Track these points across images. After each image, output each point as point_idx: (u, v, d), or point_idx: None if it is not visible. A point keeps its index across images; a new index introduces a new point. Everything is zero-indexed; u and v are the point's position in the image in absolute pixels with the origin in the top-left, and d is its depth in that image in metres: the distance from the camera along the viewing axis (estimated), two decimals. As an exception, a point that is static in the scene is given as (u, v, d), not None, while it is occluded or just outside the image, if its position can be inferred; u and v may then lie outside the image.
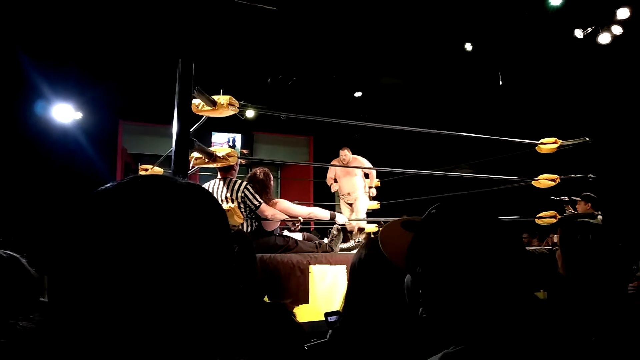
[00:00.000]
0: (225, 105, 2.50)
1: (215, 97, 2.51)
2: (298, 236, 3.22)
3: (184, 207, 0.52)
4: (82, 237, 0.49)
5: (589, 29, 5.86)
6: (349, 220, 4.11)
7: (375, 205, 5.12)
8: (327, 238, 3.30)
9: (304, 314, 2.60)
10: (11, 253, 1.13)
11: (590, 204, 4.86)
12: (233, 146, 8.33)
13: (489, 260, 0.73)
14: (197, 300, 0.50)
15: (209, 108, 2.52)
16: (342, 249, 3.34)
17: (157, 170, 3.98)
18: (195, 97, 2.43)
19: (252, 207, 2.92)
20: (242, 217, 2.92)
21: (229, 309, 0.55)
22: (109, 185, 0.53)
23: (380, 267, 1.34)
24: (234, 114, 2.65)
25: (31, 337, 0.49)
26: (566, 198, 4.72)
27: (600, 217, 4.36)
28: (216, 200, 0.57)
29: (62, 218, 0.51)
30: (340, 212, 4.29)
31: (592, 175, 3.55)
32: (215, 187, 3.03)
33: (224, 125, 6.61)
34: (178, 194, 0.53)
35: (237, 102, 2.57)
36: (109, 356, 0.47)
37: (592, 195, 4.84)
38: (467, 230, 0.76)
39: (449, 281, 0.73)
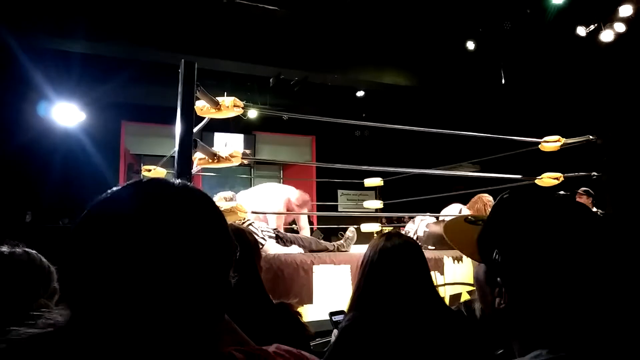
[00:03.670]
0: (230, 107, 2.49)
1: (219, 99, 2.51)
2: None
3: (180, 210, 0.55)
4: (87, 242, 0.52)
5: (592, 27, 5.84)
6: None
7: (379, 205, 5.12)
8: (342, 239, 3.44)
9: (307, 313, 2.61)
10: (28, 250, 1.13)
11: (592, 199, 4.78)
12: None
13: (600, 242, 0.60)
14: (197, 296, 0.52)
15: (213, 109, 2.52)
16: None
17: (160, 171, 3.97)
18: (198, 98, 2.43)
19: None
20: (245, 211, 2.92)
21: (229, 306, 0.57)
22: (109, 192, 0.56)
23: (397, 259, 1.33)
24: (237, 115, 2.65)
25: (43, 337, 0.51)
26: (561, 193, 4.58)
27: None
28: (211, 200, 0.61)
29: (71, 226, 0.55)
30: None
31: (595, 174, 3.54)
32: None
33: (226, 125, 6.62)
34: (175, 198, 0.56)
35: (241, 103, 2.56)
36: (121, 349, 0.49)
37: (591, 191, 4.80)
38: (565, 211, 0.64)
39: (547, 268, 0.59)
